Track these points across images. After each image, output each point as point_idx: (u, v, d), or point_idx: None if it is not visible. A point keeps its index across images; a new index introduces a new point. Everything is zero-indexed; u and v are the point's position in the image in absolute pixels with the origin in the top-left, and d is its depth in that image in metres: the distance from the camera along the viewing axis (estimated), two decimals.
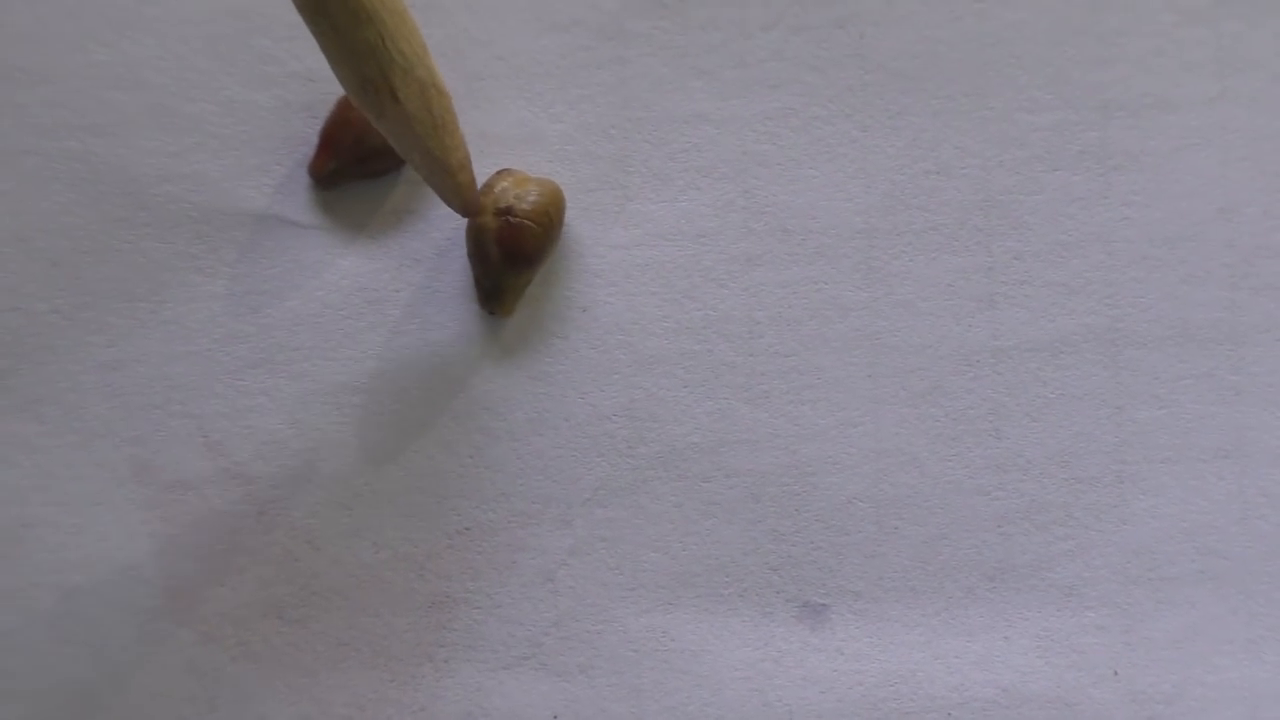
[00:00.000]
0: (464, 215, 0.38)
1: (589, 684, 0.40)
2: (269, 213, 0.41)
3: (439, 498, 0.40)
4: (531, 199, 0.40)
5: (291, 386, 0.40)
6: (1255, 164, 0.41)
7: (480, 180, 0.41)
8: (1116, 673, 0.40)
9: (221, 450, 0.40)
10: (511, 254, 0.40)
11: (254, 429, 0.40)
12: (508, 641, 0.40)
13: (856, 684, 0.40)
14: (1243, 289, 0.41)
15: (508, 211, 0.40)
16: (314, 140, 0.41)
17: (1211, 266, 0.41)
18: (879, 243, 0.41)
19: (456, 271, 0.41)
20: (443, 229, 0.41)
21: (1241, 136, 0.41)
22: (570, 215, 0.41)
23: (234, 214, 0.41)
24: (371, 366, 0.40)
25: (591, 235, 0.41)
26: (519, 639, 0.40)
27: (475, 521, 0.40)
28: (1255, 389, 0.41)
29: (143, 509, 0.40)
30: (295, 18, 0.41)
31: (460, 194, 0.37)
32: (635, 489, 0.40)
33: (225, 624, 0.40)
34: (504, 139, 0.41)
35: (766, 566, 0.40)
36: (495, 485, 0.40)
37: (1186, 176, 0.41)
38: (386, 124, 0.36)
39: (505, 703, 0.40)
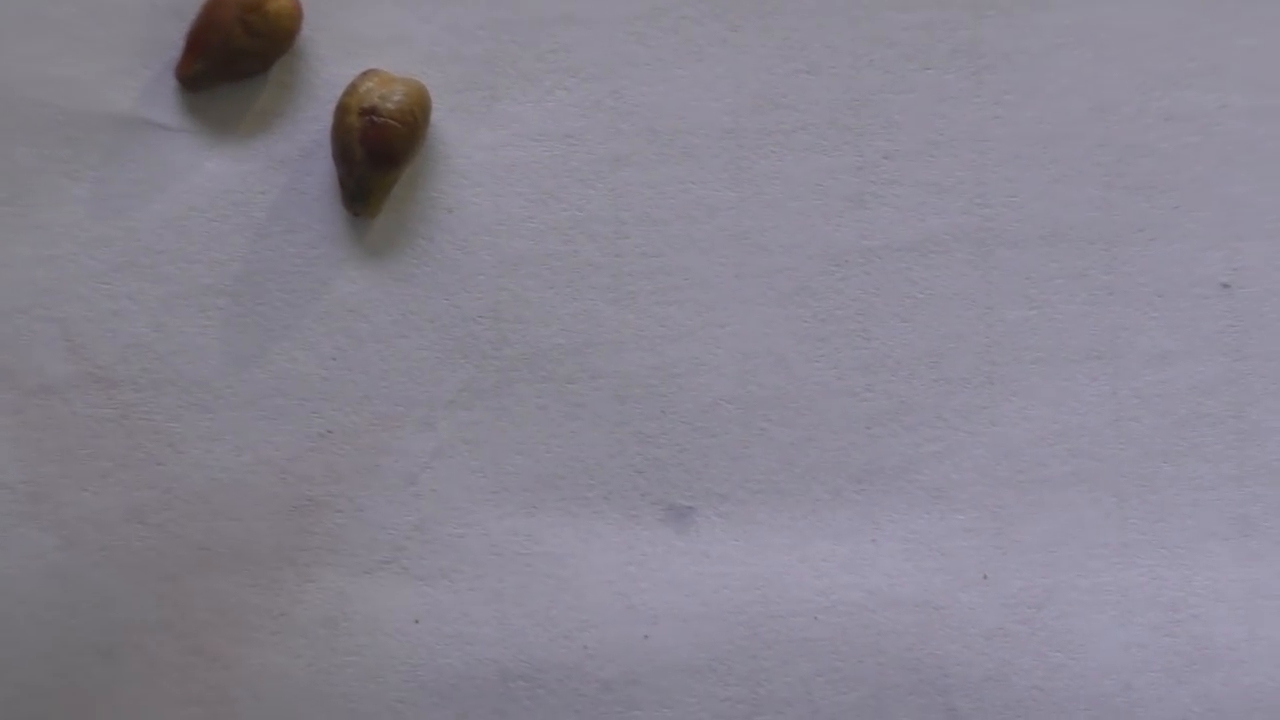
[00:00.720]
0: None
1: (451, 588, 0.40)
2: (135, 116, 0.40)
3: (301, 400, 0.40)
4: (396, 99, 0.40)
5: (156, 290, 0.40)
6: (1129, 63, 0.41)
7: (345, 80, 0.40)
8: (986, 576, 0.40)
9: (85, 354, 0.40)
10: (376, 154, 0.39)
11: (118, 333, 0.40)
12: (370, 545, 0.40)
13: (722, 587, 0.40)
14: (1116, 188, 0.41)
15: (372, 111, 0.39)
16: (180, 43, 0.41)
17: (1084, 166, 0.41)
18: (747, 143, 0.41)
19: (322, 173, 0.40)
20: (308, 131, 0.41)
21: (1115, 35, 0.41)
22: (437, 116, 0.40)
23: (100, 117, 0.40)
24: (236, 270, 0.40)
25: (458, 136, 0.41)
26: (381, 543, 0.40)
27: (338, 424, 0.40)
28: (1128, 289, 0.40)
29: (5, 414, 0.40)
30: None
31: None
32: (499, 391, 0.40)
33: (87, 528, 0.40)
34: (371, 40, 0.41)
35: (632, 469, 0.40)
36: (358, 387, 0.40)
37: (1059, 75, 0.41)
38: None
39: (367, 607, 0.40)
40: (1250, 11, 0.41)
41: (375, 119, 0.39)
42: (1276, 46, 0.41)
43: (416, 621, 0.40)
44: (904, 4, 0.41)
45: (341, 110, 0.40)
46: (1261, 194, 0.41)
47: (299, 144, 0.41)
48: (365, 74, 0.40)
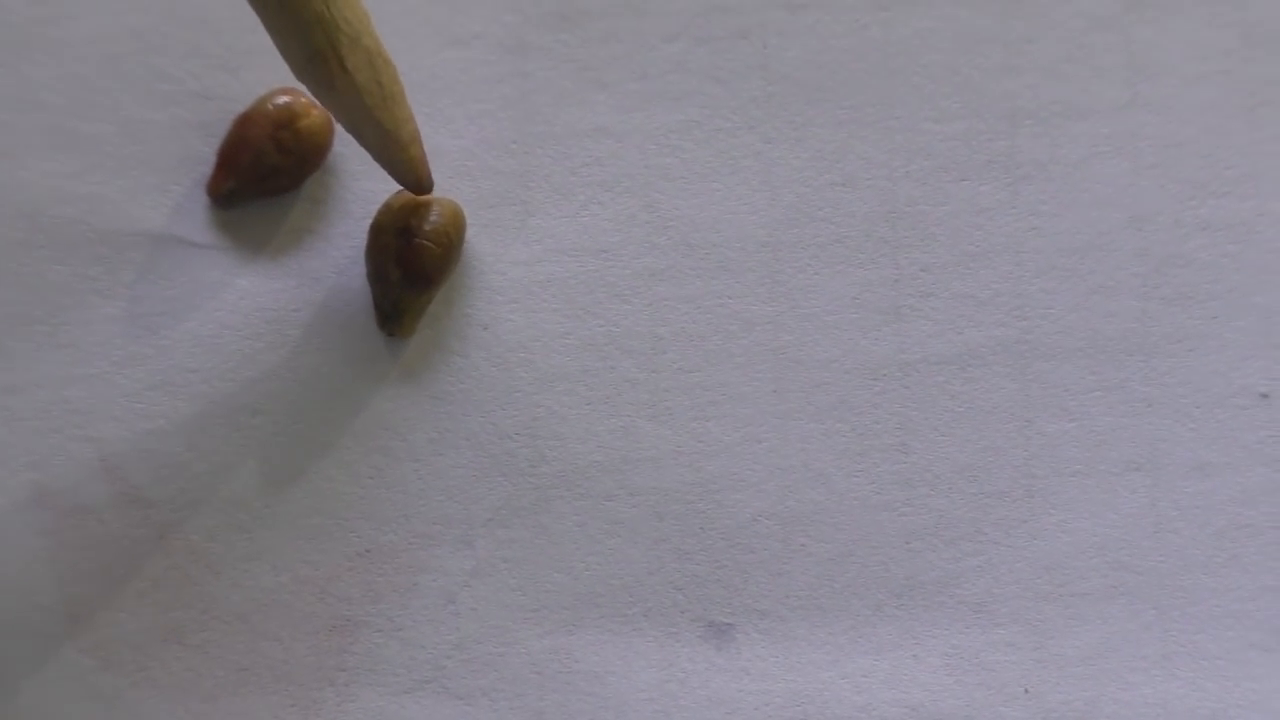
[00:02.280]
0: (417, 192, 0.38)
1: (491, 707, 0.40)
2: (167, 233, 0.40)
3: (339, 519, 0.40)
4: (432, 219, 0.39)
5: (190, 408, 0.40)
6: (1166, 171, 0.41)
7: (376, 196, 0.40)
8: (1027, 690, 0.40)
9: (120, 474, 0.40)
10: (411, 275, 0.39)
11: (153, 452, 0.40)
12: (409, 665, 0.40)
13: (763, 704, 0.40)
14: (1154, 299, 0.40)
15: (407, 231, 0.39)
16: (212, 159, 0.40)
17: (1122, 277, 0.41)
18: (783, 256, 0.40)
19: (356, 290, 0.40)
20: (342, 248, 0.40)
21: (1152, 144, 0.41)
22: (471, 232, 0.40)
23: (132, 235, 0.40)
24: (271, 388, 0.40)
25: (493, 252, 0.40)
26: (420, 662, 0.40)
27: (375, 543, 0.40)
28: (1167, 400, 0.40)
29: (41, 535, 0.40)
30: (192, 35, 0.40)
31: (414, 169, 0.37)
32: (537, 508, 0.40)
33: (124, 649, 0.39)
34: None
35: (671, 586, 0.40)
36: (396, 506, 0.40)
37: (1096, 185, 0.41)
38: (335, 97, 0.35)
39: None
40: None
41: (411, 240, 0.39)
42: None
43: None
44: (940, 115, 0.41)
45: (376, 230, 0.40)
46: None
47: (333, 261, 0.41)
48: (400, 193, 0.40)
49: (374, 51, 0.35)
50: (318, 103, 0.39)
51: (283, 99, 0.40)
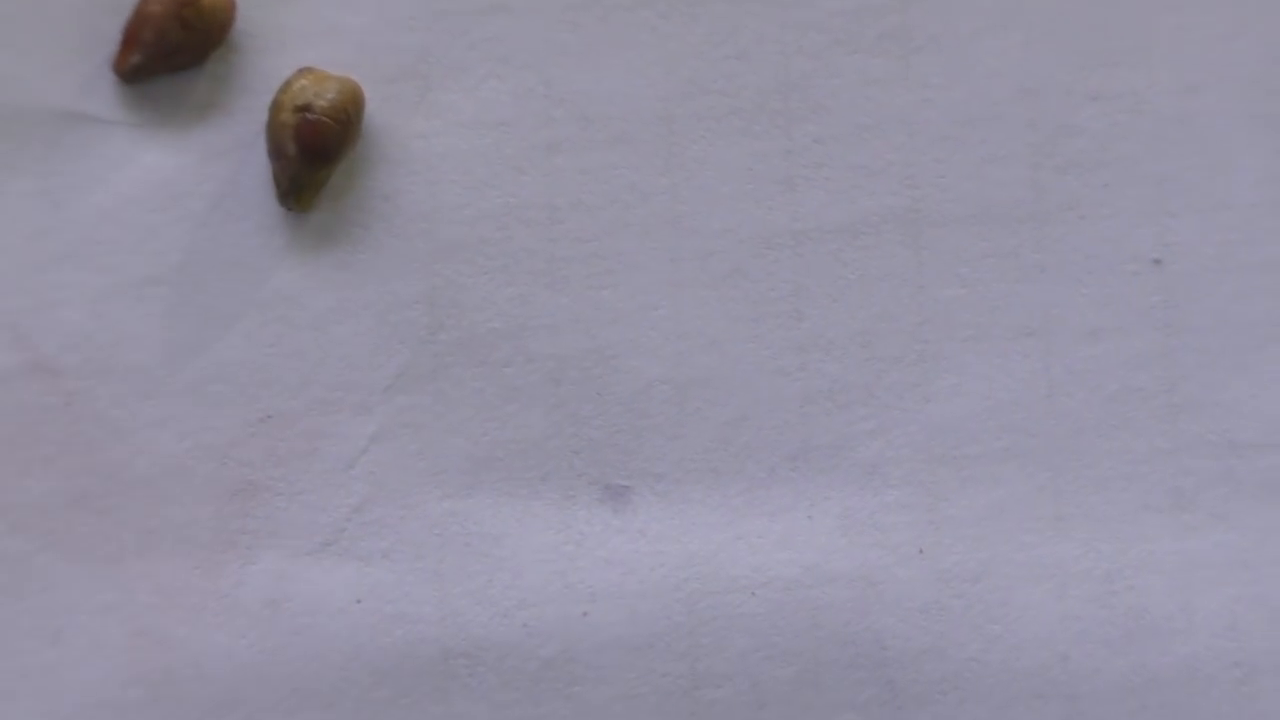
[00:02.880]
0: None
1: (391, 568, 0.40)
2: (73, 110, 0.41)
3: (240, 387, 0.41)
4: (330, 96, 0.40)
5: (96, 280, 0.41)
6: (1057, 43, 0.41)
7: (280, 73, 0.41)
8: (922, 551, 0.40)
9: (28, 343, 0.40)
10: (309, 151, 0.40)
11: (60, 322, 0.41)
12: (310, 528, 0.40)
13: (659, 565, 0.40)
14: (1045, 168, 0.41)
15: (305, 109, 0.40)
16: (117, 37, 0.41)
17: (1014, 146, 0.41)
18: (679, 128, 0.41)
19: (259, 165, 0.41)
20: (244, 123, 0.41)
21: (1043, 16, 0.41)
22: (371, 107, 0.41)
23: (38, 112, 0.41)
24: (174, 260, 0.41)
25: (392, 126, 0.41)
26: (321, 525, 0.40)
27: (277, 410, 0.41)
28: (1059, 266, 0.41)
29: None
30: None
31: None
32: (436, 375, 0.41)
33: (31, 514, 0.40)
34: (304, 32, 0.41)
35: (568, 450, 0.41)
36: (296, 374, 0.41)
37: (988, 57, 0.41)
38: None
39: (309, 588, 0.40)
40: None
41: (309, 116, 0.40)
42: (1202, 23, 0.41)
43: (358, 602, 0.40)
44: None
45: (276, 108, 0.41)
46: (1190, 170, 0.41)
47: (236, 136, 0.41)
48: (300, 72, 0.41)
49: None
50: None
51: None
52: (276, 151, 0.41)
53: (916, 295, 0.41)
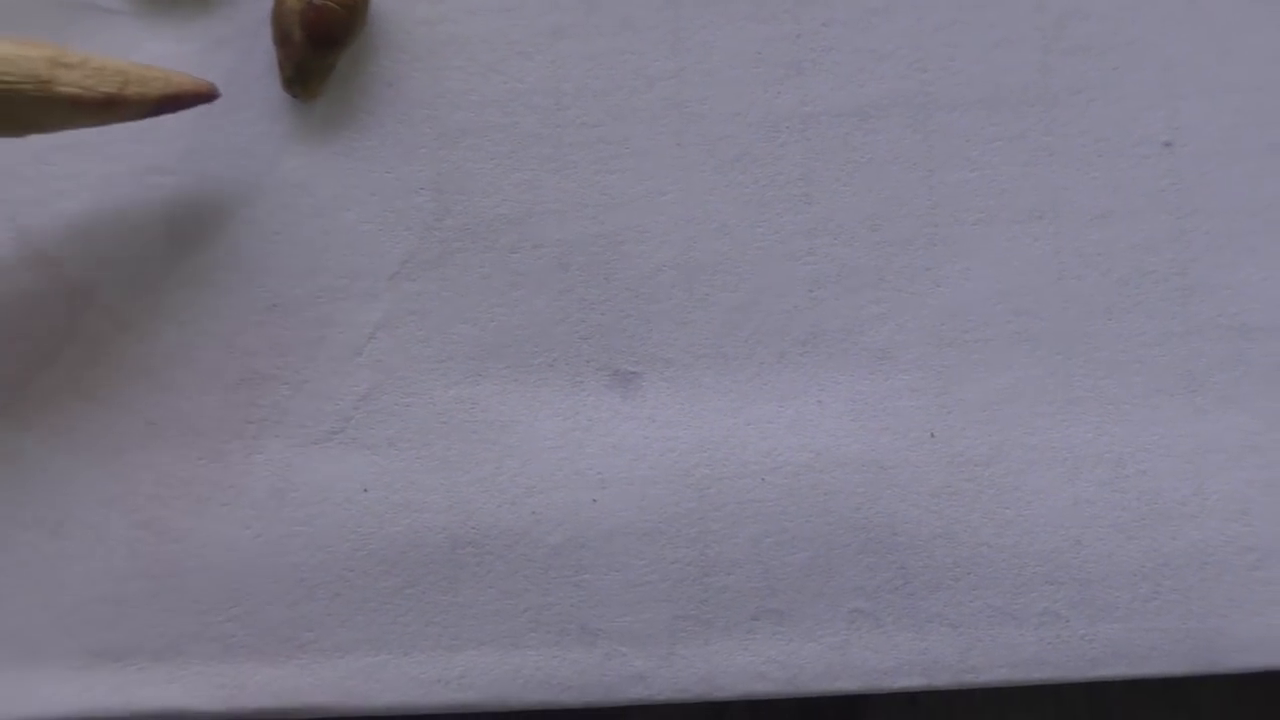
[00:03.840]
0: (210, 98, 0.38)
1: (398, 457, 0.40)
2: (80, 0, 0.41)
3: (245, 275, 0.40)
4: None
5: (99, 169, 0.40)
6: None
7: None
8: (933, 435, 0.40)
9: (30, 234, 0.40)
10: (315, 37, 0.40)
11: (63, 212, 0.40)
12: (316, 416, 0.40)
13: (669, 450, 0.40)
14: (1054, 52, 0.41)
15: None
16: None
17: (1023, 29, 0.41)
18: (685, 13, 0.41)
19: (264, 52, 0.41)
20: (249, 12, 0.41)
21: None
22: None
23: (46, 2, 0.41)
24: (179, 148, 0.40)
25: (398, 11, 0.41)
26: (327, 413, 0.40)
27: (282, 298, 0.40)
28: (1068, 150, 0.40)
29: None
30: None
31: (188, 93, 0.37)
32: (443, 261, 0.40)
33: (33, 407, 0.40)
34: None
35: (576, 336, 0.40)
36: (302, 261, 0.40)
37: None
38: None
39: (315, 477, 0.40)
40: None
41: (314, 2, 0.40)
42: None
43: (365, 490, 0.40)
44: None
45: None
46: (1199, 53, 0.41)
47: (240, 24, 0.41)
48: None
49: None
50: None
51: None
52: (282, 38, 0.40)
53: (925, 179, 0.41)
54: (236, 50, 0.41)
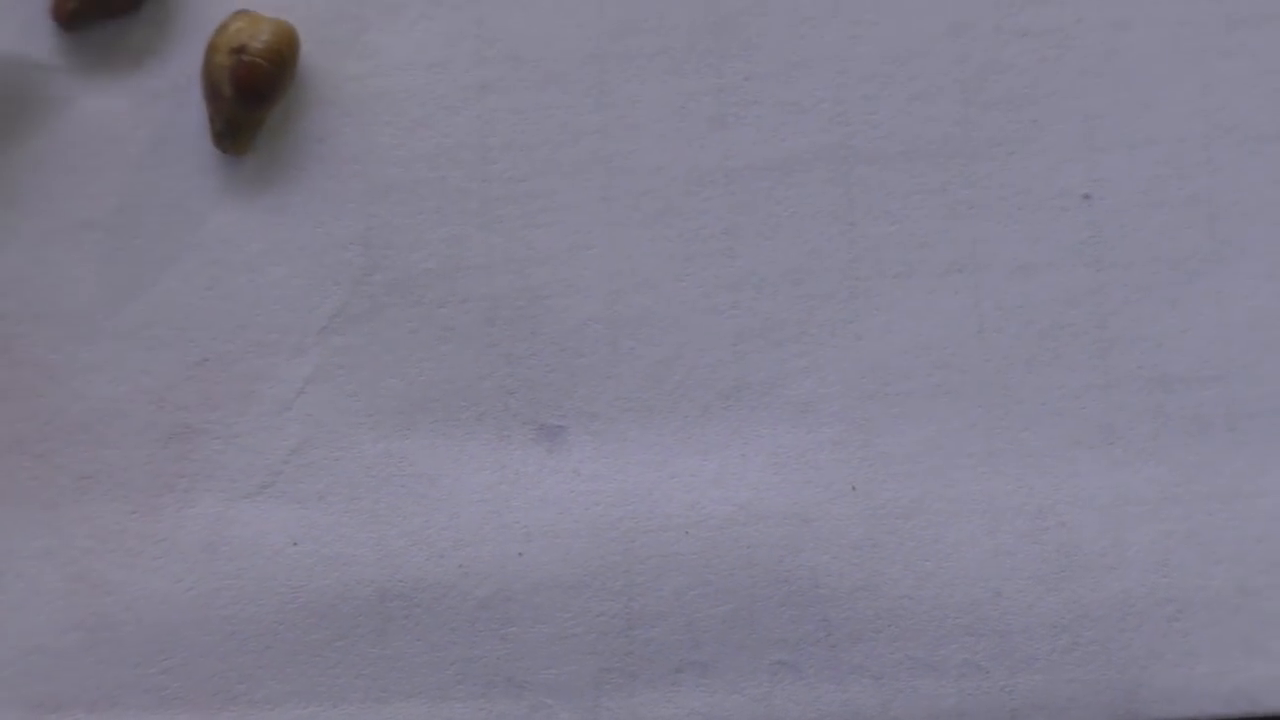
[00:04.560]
0: None
1: (327, 510, 0.40)
2: (12, 55, 0.41)
3: (177, 330, 0.41)
4: (264, 38, 0.40)
5: (33, 224, 0.41)
6: None
7: (216, 19, 0.41)
8: (854, 488, 0.40)
9: None
10: (244, 92, 0.40)
11: None
12: (247, 470, 0.41)
13: (594, 504, 0.40)
14: (974, 105, 0.41)
15: (240, 50, 0.40)
16: None
17: (943, 83, 0.41)
18: (610, 67, 0.41)
19: (195, 108, 0.41)
20: (181, 68, 0.42)
21: None
22: (306, 49, 0.41)
23: None
24: (111, 203, 0.41)
25: (327, 68, 0.41)
26: (258, 468, 0.41)
27: (213, 352, 0.41)
28: (988, 203, 0.41)
29: None
30: None
31: None
32: (371, 316, 0.41)
33: None
34: None
35: (503, 390, 0.41)
36: (232, 316, 0.41)
37: None
38: None
39: (246, 531, 0.40)
40: None
41: (244, 58, 0.40)
42: None
43: (294, 544, 0.40)
44: None
45: (211, 50, 0.41)
46: (1118, 106, 0.41)
47: (172, 80, 0.42)
48: (235, 15, 0.41)
49: None
50: None
51: None
52: (212, 94, 0.41)
53: (847, 232, 0.41)
54: (168, 105, 0.41)
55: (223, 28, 0.41)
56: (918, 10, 0.41)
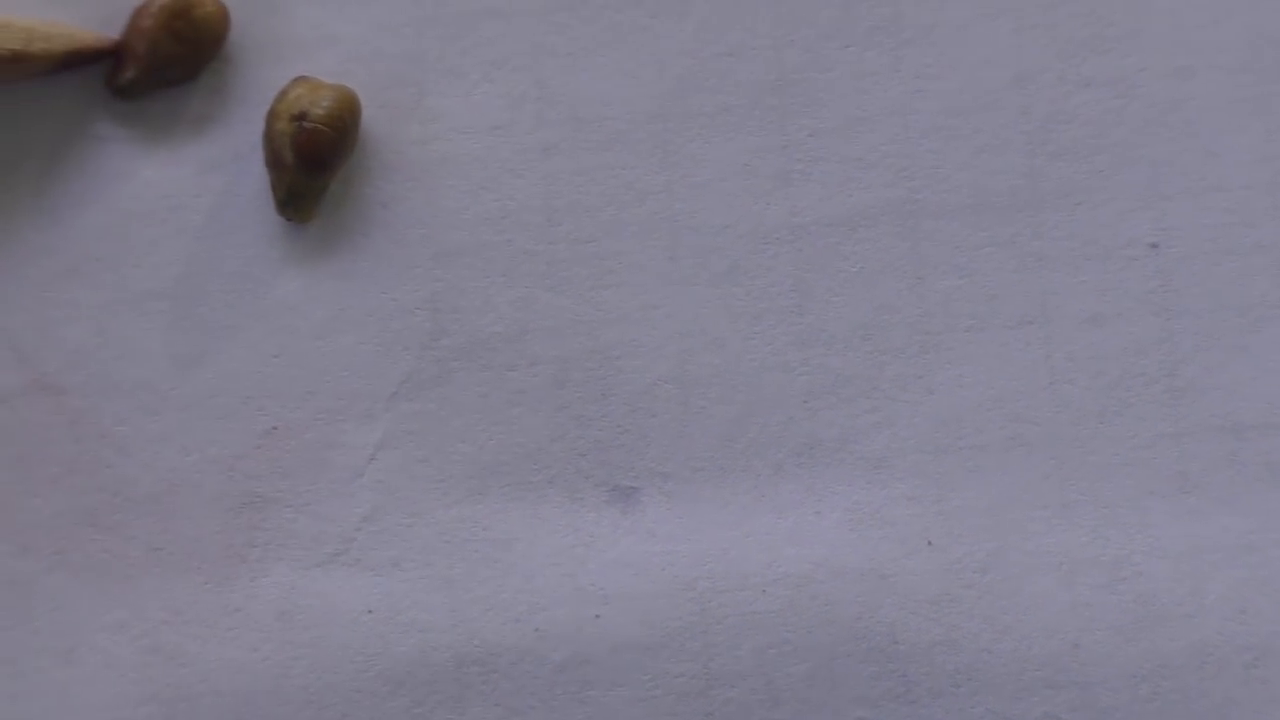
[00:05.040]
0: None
1: (402, 577, 0.40)
2: (69, 127, 0.41)
3: (245, 399, 0.41)
4: (326, 104, 0.40)
5: (98, 296, 0.41)
6: (1048, 30, 0.41)
7: (274, 83, 0.41)
8: (930, 543, 0.40)
9: (31, 362, 0.40)
10: (307, 159, 0.40)
11: (63, 339, 0.41)
12: (319, 539, 0.40)
13: (669, 565, 0.40)
14: (1040, 156, 0.41)
15: (302, 117, 0.40)
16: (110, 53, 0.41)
17: (1008, 135, 0.41)
18: (674, 126, 0.41)
19: (256, 175, 0.41)
20: (241, 135, 0.41)
21: (1033, 4, 0.42)
22: (368, 115, 0.41)
23: (34, 130, 0.41)
24: (175, 273, 0.41)
25: (389, 133, 0.41)
26: (330, 535, 0.40)
27: (282, 421, 0.41)
28: (1057, 254, 0.41)
29: None
30: None
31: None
32: (440, 381, 0.41)
33: (40, 535, 0.40)
34: (298, 41, 0.41)
35: (574, 452, 0.41)
36: (301, 384, 0.41)
37: (980, 46, 0.41)
38: None
39: (320, 599, 0.40)
40: None
41: (305, 124, 0.40)
42: (1192, 6, 0.41)
43: (369, 612, 0.40)
44: None
45: (272, 117, 0.41)
46: (1184, 154, 0.41)
47: (232, 148, 0.41)
48: (295, 81, 0.41)
49: None
50: None
51: None
52: (274, 161, 0.41)
53: (916, 286, 0.41)
54: (229, 174, 0.41)
55: (283, 95, 0.41)
56: (980, 63, 0.41)
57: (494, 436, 0.41)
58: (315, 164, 0.40)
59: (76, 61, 0.41)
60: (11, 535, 0.40)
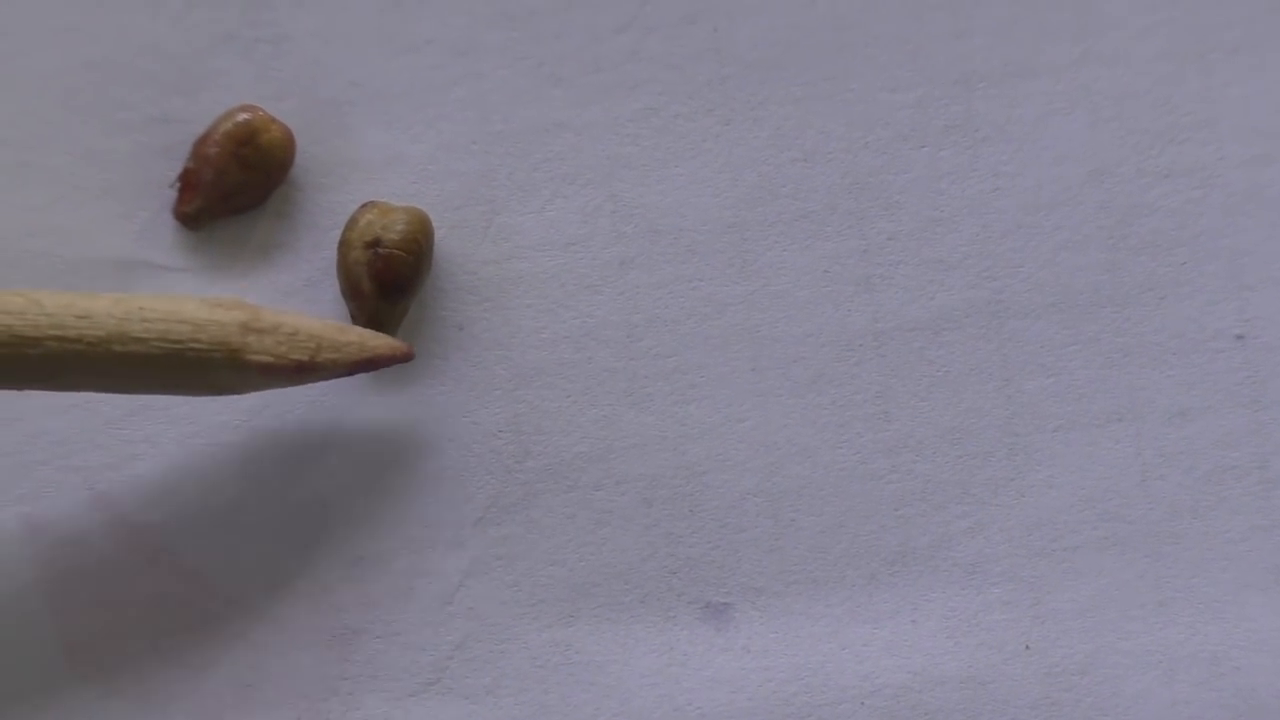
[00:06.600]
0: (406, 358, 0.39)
1: (496, 705, 0.40)
2: (135, 259, 0.40)
3: (329, 530, 0.40)
4: (399, 228, 0.40)
5: (172, 430, 0.40)
6: (1123, 123, 0.41)
7: (342, 207, 0.40)
8: (1028, 647, 0.40)
9: (108, 501, 0.40)
10: (385, 286, 0.39)
11: (139, 477, 0.40)
12: (411, 669, 0.40)
13: (766, 680, 0.40)
14: (1121, 250, 0.41)
15: (376, 244, 0.39)
16: (176, 183, 0.40)
17: (1088, 230, 0.41)
18: (750, 235, 0.41)
19: (328, 301, 0.40)
20: (312, 261, 0.41)
21: (1107, 97, 0.41)
22: (439, 235, 0.41)
23: (101, 263, 0.40)
24: (249, 404, 0.40)
25: (462, 253, 0.41)
26: (422, 665, 0.40)
27: (368, 551, 0.40)
28: (1143, 349, 0.40)
29: (34, 567, 0.40)
30: (146, 62, 0.41)
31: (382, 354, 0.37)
32: (526, 504, 0.40)
33: (126, 675, 0.40)
34: (366, 164, 0.41)
35: (665, 570, 0.40)
36: (385, 513, 0.40)
37: (1055, 142, 0.41)
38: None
39: None
40: (1237, 60, 0.41)
41: (380, 251, 0.39)
42: (1267, 93, 0.41)
43: None
44: (894, 84, 0.41)
45: (344, 246, 0.40)
46: (1266, 242, 0.41)
47: (303, 275, 0.41)
48: (364, 206, 0.40)
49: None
50: (277, 117, 0.39)
51: (242, 116, 0.40)
52: (352, 290, 0.40)
53: (1003, 388, 0.41)
54: (301, 301, 0.41)
55: (353, 222, 0.40)
56: (1057, 159, 0.41)
57: (583, 558, 0.40)
58: (394, 290, 0.40)
59: (366, 369, 0.39)
60: (97, 677, 0.40)
